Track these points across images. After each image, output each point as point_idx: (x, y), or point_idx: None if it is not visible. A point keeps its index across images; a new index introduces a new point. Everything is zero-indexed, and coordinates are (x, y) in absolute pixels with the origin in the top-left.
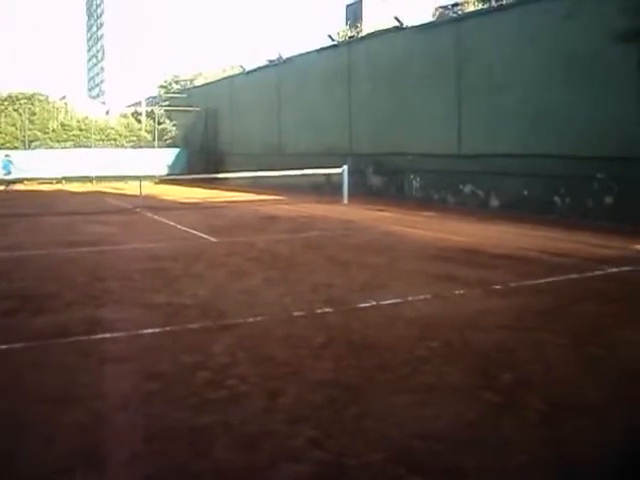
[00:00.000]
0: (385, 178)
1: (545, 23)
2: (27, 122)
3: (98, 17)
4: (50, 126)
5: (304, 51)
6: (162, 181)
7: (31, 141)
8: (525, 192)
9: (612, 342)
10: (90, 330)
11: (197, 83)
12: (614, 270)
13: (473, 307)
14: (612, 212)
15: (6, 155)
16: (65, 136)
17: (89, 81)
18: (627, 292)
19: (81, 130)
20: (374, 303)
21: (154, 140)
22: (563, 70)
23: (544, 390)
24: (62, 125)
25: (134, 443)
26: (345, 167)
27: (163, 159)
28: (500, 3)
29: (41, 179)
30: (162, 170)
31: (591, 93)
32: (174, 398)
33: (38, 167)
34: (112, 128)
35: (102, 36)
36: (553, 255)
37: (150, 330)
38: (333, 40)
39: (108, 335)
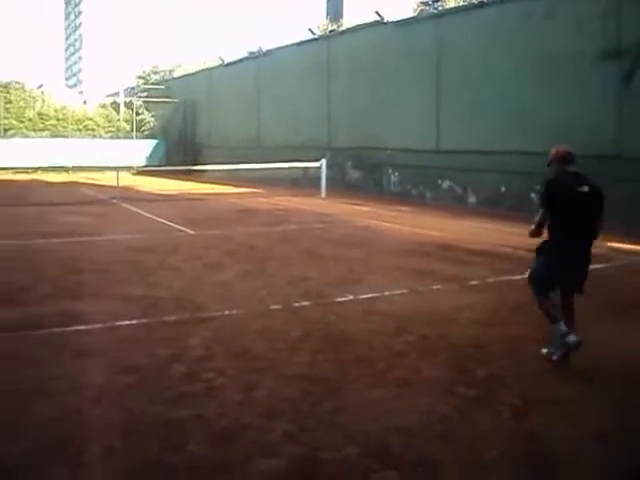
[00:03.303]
0: (363, 172)
1: (524, 22)
2: (3, 111)
3: (76, 5)
4: (26, 115)
5: (284, 44)
6: (140, 172)
7: (6, 130)
8: (502, 189)
9: (584, 338)
10: (64, 322)
11: (176, 74)
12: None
13: (449, 302)
14: None
15: None
16: (42, 125)
17: (67, 70)
18: (600, 288)
19: (58, 120)
20: (351, 297)
21: (132, 131)
22: (541, 68)
23: (517, 384)
24: (39, 114)
25: (108, 437)
26: (323, 161)
27: (141, 150)
28: (480, 0)
29: (16, 169)
30: (140, 161)
31: (568, 92)
32: (150, 391)
33: (13, 156)
34: (90, 118)
35: (80, 24)
36: (529, 252)
37: (126, 322)
38: (313, 34)
39: (83, 327)
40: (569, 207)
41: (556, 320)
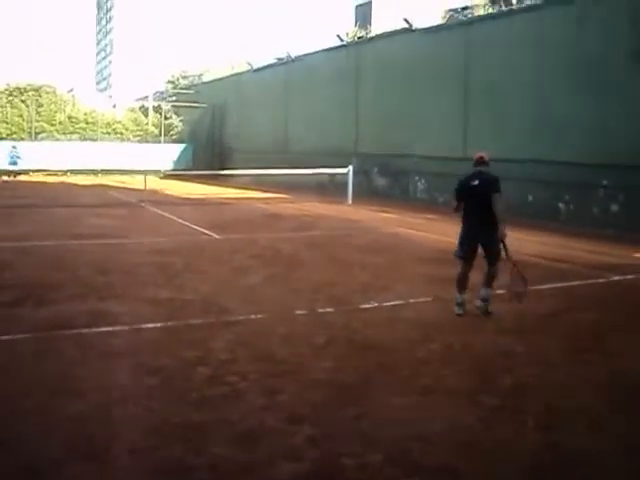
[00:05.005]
0: (390, 179)
1: (553, 29)
2: (34, 114)
3: (108, 10)
4: (57, 118)
5: (313, 50)
6: (167, 176)
7: (37, 133)
8: (529, 198)
9: (608, 349)
10: (92, 323)
11: (205, 79)
12: (617, 278)
13: (474, 310)
14: (617, 220)
15: (13, 147)
16: (72, 129)
17: (97, 74)
18: (627, 300)
19: (88, 123)
20: (375, 304)
21: (160, 135)
22: (570, 76)
23: (542, 393)
24: (69, 118)
25: (132, 437)
26: (350, 167)
27: (169, 154)
28: (510, 7)
29: (47, 171)
30: (168, 165)
31: (597, 100)
32: (174, 393)
33: (44, 159)
34: (119, 122)
35: (111, 30)
36: (556, 262)
37: (151, 325)
38: (342, 40)
39: (110, 328)
40: (465, 196)
41: (458, 290)
